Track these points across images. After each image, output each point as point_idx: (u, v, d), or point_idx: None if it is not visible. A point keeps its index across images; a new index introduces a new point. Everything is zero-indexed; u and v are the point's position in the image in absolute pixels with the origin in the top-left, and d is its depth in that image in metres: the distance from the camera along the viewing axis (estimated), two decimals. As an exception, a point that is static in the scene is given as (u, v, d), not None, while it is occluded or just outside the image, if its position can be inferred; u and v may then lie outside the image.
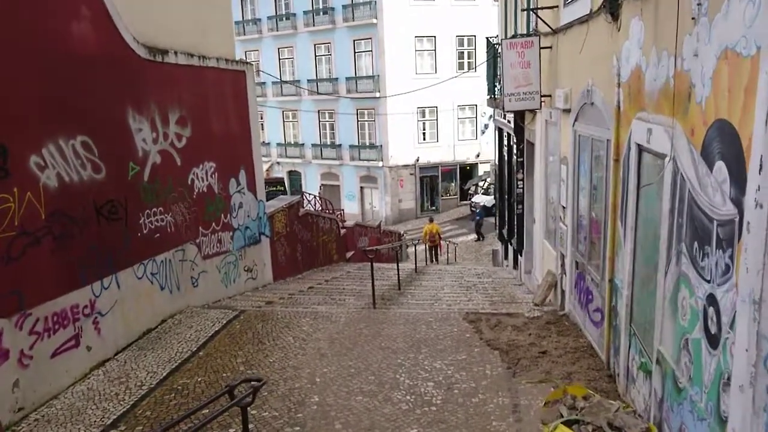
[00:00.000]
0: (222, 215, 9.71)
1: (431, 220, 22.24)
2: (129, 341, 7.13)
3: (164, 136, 8.04)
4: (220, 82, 9.72)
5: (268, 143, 39.13)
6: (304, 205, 21.17)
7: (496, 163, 16.39)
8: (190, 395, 5.83)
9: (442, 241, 21.93)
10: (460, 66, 34.67)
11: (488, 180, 28.98)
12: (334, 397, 5.72)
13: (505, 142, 14.21)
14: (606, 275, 5.90)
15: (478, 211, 27.36)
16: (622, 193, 5.43)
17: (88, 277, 6.41)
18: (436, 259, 21.08)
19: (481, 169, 35.30)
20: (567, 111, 7.58)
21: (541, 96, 8.75)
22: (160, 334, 7.52)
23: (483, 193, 34.02)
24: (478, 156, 35.31)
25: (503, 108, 9.45)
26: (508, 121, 12.73)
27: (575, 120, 7.23)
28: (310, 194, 22.71)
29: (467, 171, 35.96)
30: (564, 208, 7.95)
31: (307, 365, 6.48)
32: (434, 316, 8.04)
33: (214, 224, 9.43)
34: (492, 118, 34.62)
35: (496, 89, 12.14)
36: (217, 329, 7.64)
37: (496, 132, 16.01)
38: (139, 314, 7.35)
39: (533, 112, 10.18)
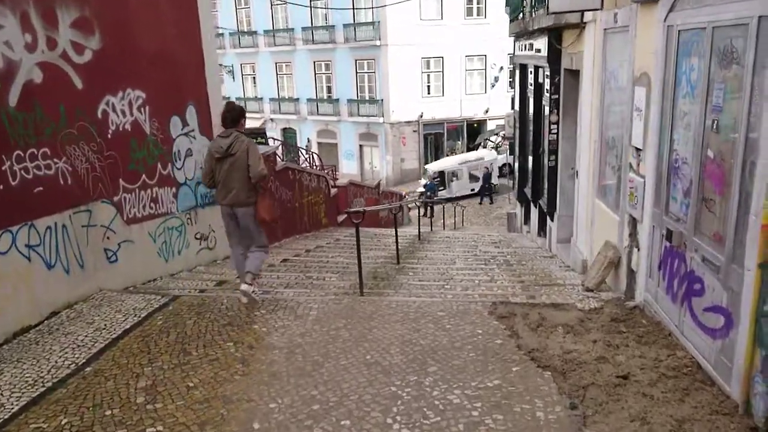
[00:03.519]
0: (159, 165, 7.18)
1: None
2: (-17, 349, 4.71)
3: (50, 42, 5.45)
4: (153, -20, 7.07)
5: (261, 98, 36.39)
6: (300, 162, 18.64)
7: (516, 109, 13.75)
8: (35, 457, 3.42)
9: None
10: (469, 12, 31.56)
11: (502, 134, 26.11)
12: (278, 465, 3.30)
13: (530, 81, 11.55)
14: (750, 256, 3.40)
15: (428, 183, 24.53)
16: (805, 105, 2.88)
17: None
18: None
19: (490, 126, 32.52)
20: (652, 1, 4.96)
21: (604, -11, 6.11)
22: (42, 334, 5.08)
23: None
24: (486, 112, 32.50)
25: (547, 10, 6.81)
26: (537, 51, 10.07)
27: (670, 9, 4.62)
28: (304, 149, 20.06)
29: (475, 128, 33.19)
30: (638, 150, 5.41)
31: (247, 395, 4.05)
32: (446, 307, 5.58)
33: (145, 177, 6.91)
34: (501, 69, 31.86)
35: (524, 4, 9.45)
36: (128, 327, 5.20)
37: (517, 72, 13.31)
38: (4, 306, 4.90)
39: (579, 27, 7.54)
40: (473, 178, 26.79)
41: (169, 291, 6.34)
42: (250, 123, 32.21)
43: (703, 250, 4.11)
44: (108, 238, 6.27)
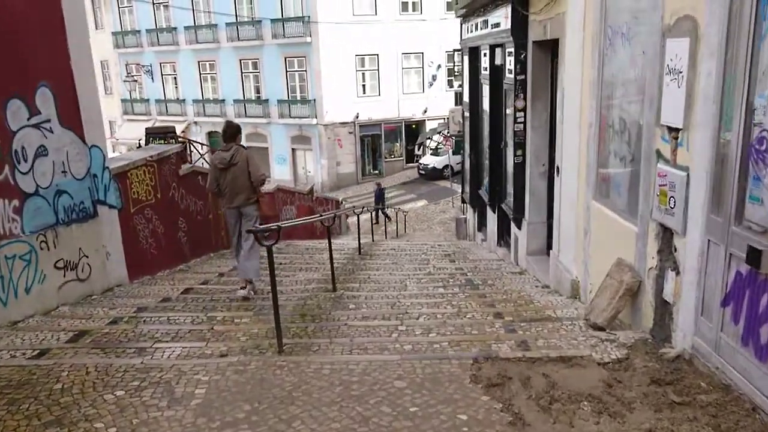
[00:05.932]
0: (-12, 168, 5.03)
1: None
2: None
3: None
4: None
5: (183, 100, 33.67)
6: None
7: (465, 101, 12.15)
8: None
9: None
10: (404, 7, 30.04)
11: (444, 132, 24.57)
12: None
13: (484, 65, 9.94)
14: None
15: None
16: None
17: None
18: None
19: (430, 126, 31.11)
20: None
21: None
22: None
23: (432, 154, 30.04)
24: (425, 112, 31.06)
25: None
26: (495, 26, 8.45)
27: None
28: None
29: (413, 129, 31.68)
30: (674, 131, 3.76)
31: None
32: (407, 369, 3.72)
33: (-40, 185, 4.75)
34: (438, 67, 30.46)
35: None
36: None
37: (466, 58, 11.71)
38: None
39: (557, -17, 5.93)
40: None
41: (-14, 357, 4.20)
42: (166, 124, 29.32)
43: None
44: None
